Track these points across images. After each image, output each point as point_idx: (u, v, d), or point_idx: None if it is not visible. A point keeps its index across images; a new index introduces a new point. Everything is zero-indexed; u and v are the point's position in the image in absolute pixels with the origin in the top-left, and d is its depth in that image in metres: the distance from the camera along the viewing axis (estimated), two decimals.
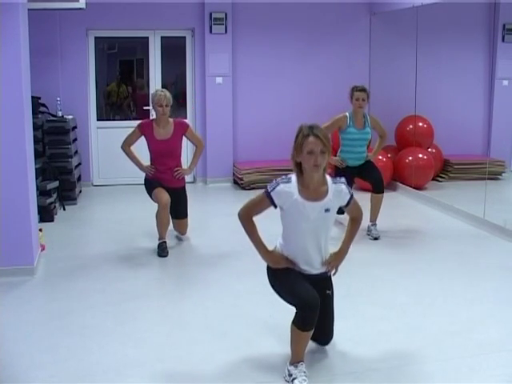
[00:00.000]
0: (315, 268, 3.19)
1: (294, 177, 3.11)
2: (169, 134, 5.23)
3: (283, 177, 3.12)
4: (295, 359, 3.06)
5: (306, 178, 3.08)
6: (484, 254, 5.19)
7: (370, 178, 5.72)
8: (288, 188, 3.07)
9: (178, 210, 5.37)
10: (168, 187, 5.24)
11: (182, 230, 5.58)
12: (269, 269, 3.24)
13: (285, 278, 3.14)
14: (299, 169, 3.10)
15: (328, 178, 3.15)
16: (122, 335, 3.61)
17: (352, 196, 3.19)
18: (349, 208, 3.25)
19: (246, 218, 3.19)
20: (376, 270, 4.78)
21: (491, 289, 4.35)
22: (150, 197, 5.30)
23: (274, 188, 3.08)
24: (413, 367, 3.22)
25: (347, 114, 5.60)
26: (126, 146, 5.32)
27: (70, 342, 3.51)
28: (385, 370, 3.19)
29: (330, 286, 3.31)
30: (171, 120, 5.28)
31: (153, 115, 7.90)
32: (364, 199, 5.61)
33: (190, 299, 4.19)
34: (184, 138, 5.39)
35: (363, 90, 5.55)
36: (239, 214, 3.21)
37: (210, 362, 3.28)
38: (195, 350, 3.41)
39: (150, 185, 5.28)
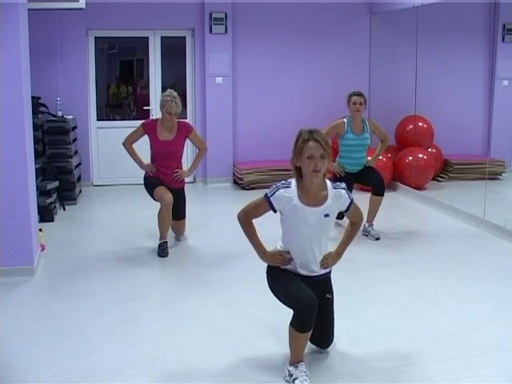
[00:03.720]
0: (313, 271, 3.20)
1: (293, 181, 3.10)
2: (172, 135, 5.19)
3: (283, 181, 3.11)
4: (295, 359, 3.06)
5: (305, 183, 3.07)
6: (484, 254, 5.19)
7: (370, 181, 5.71)
8: (287, 193, 3.06)
9: (176, 210, 5.30)
10: (167, 187, 5.22)
11: (179, 231, 5.56)
12: (268, 273, 3.26)
13: (282, 280, 3.15)
14: (299, 173, 3.09)
15: (328, 182, 3.15)
16: (122, 335, 3.61)
17: (352, 201, 3.19)
18: (349, 213, 3.25)
19: (245, 220, 3.19)
20: (376, 270, 4.78)
21: (491, 289, 4.34)
22: (151, 195, 5.27)
23: (273, 193, 3.08)
24: (413, 367, 3.22)
25: (345, 119, 5.58)
26: (128, 143, 5.28)
27: (70, 342, 3.52)
28: (385, 370, 3.19)
29: (330, 290, 3.30)
30: (175, 121, 5.22)
31: (153, 115, 7.95)
32: (365, 199, 5.64)
33: (190, 299, 4.19)
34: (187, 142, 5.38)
35: (360, 94, 5.57)
36: (238, 217, 3.21)
37: (210, 362, 3.28)
38: (195, 350, 3.41)
39: (151, 183, 5.25)
